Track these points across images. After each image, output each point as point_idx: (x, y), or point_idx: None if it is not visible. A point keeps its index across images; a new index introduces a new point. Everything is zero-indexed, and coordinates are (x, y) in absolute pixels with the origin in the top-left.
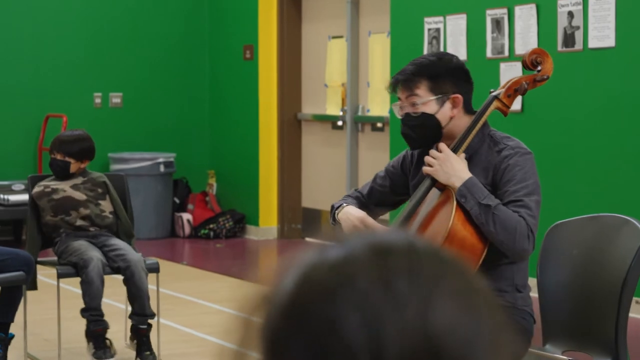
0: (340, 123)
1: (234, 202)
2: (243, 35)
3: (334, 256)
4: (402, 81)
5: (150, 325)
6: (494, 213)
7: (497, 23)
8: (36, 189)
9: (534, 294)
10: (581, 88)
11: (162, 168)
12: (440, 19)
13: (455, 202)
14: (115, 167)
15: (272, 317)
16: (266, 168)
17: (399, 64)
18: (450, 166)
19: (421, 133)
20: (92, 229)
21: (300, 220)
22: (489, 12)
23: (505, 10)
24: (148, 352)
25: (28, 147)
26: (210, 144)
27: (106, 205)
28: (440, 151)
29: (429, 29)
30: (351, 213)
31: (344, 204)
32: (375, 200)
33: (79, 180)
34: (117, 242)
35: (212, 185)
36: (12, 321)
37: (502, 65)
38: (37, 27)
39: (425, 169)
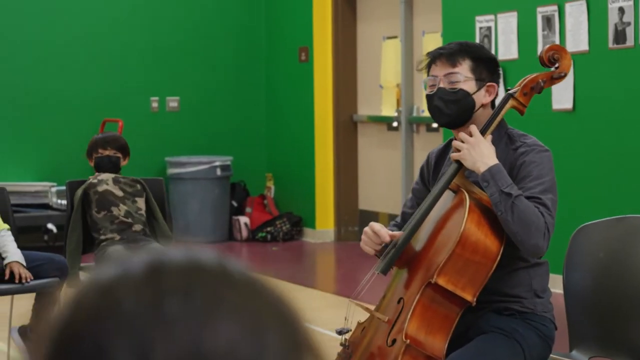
0: (395, 124)
1: (291, 205)
2: (298, 37)
3: (105, 278)
4: (446, 55)
5: None
6: (514, 203)
7: (547, 20)
8: (95, 181)
9: (560, 297)
10: (632, 85)
11: (218, 172)
12: (492, 17)
13: (468, 206)
14: (172, 171)
15: (48, 344)
16: (322, 170)
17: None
18: (479, 151)
19: (454, 109)
20: (129, 221)
21: (356, 222)
22: (539, 9)
23: (555, 8)
24: None
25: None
26: (268, 146)
27: (141, 204)
28: (471, 135)
29: (480, 28)
30: (368, 226)
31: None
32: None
33: (120, 175)
34: (156, 246)
35: (270, 188)
36: None
37: None
38: (94, 31)
39: (454, 154)
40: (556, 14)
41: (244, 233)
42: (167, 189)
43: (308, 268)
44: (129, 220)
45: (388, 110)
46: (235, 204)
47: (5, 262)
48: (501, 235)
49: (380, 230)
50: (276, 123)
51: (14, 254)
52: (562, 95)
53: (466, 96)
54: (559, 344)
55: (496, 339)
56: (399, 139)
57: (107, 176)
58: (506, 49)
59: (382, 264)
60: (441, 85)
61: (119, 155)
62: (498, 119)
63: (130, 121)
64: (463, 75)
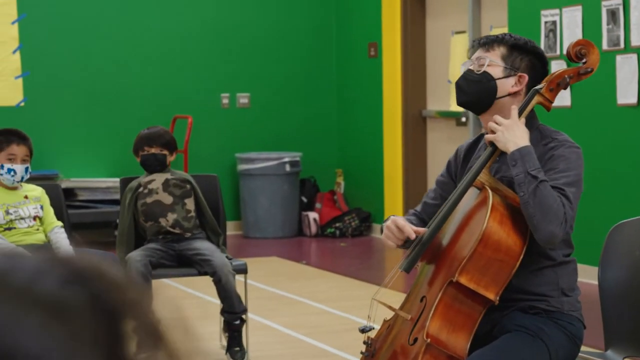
0: (464, 119)
1: (360, 201)
2: (367, 32)
3: None
4: (483, 43)
5: (242, 321)
6: (538, 186)
7: (612, 14)
8: (140, 189)
9: (594, 296)
10: None
11: (288, 167)
12: (557, 11)
13: (491, 203)
14: (242, 167)
15: None
16: (391, 166)
17: None
18: (512, 132)
19: (474, 90)
20: (176, 231)
21: None
22: (604, 3)
23: (620, 1)
24: (237, 348)
25: None
26: (338, 142)
27: (190, 204)
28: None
29: (546, 22)
30: (390, 218)
31: (391, 216)
32: (429, 213)
33: (169, 175)
34: (200, 245)
35: (340, 184)
36: None
37: (618, 58)
38: (164, 28)
39: (488, 136)
40: (621, 8)
41: (313, 229)
42: (237, 185)
43: (376, 265)
44: (176, 230)
45: (456, 105)
46: (305, 199)
47: None
48: (525, 233)
49: (405, 227)
50: (346, 119)
51: (66, 251)
52: (627, 90)
53: (489, 79)
54: (596, 343)
55: (521, 338)
56: (467, 134)
57: (157, 184)
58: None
59: (406, 262)
60: (471, 67)
61: (165, 152)
62: (524, 114)
63: (200, 118)
64: (491, 60)
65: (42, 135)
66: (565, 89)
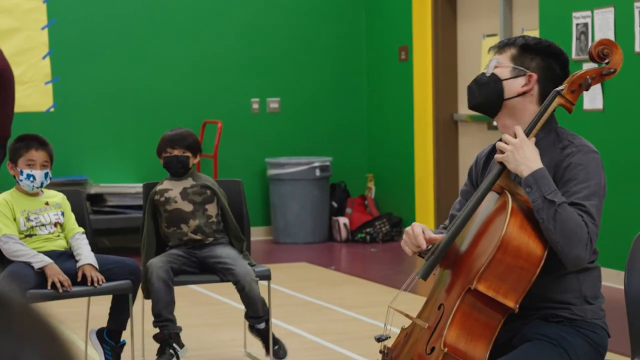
0: (495, 123)
1: (391, 206)
2: (398, 36)
3: None
4: (496, 47)
5: (267, 323)
6: (557, 211)
7: None
8: (156, 197)
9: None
10: None
11: (318, 172)
12: (588, 13)
13: (510, 208)
14: (272, 172)
15: None
16: (422, 171)
17: None
18: (522, 153)
19: (483, 92)
20: (198, 237)
21: None
22: (637, 4)
23: None
24: (277, 346)
25: None
26: (368, 147)
27: (212, 209)
28: (515, 136)
29: (577, 24)
30: (411, 225)
31: (414, 223)
32: None
33: (188, 182)
34: (223, 252)
35: (371, 188)
36: (124, 329)
37: None
38: (195, 33)
39: (498, 156)
40: None
41: (344, 234)
42: (267, 190)
43: (407, 270)
44: (198, 236)
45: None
46: (335, 204)
47: (79, 264)
48: (545, 239)
49: (419, 235)
50: (377, 123)
51: (87, 257)
52: None
53: (495, 81)
54: (622, 349)
55: (542, 347)
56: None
57: (174, 192)
58: None
59: (422, 270)
60: (484, 70)
61: (188, 154)
62: (544, 117)
63: (230, 122)
64: (499, 61)
65: (71, 140)
66: (587, 90)
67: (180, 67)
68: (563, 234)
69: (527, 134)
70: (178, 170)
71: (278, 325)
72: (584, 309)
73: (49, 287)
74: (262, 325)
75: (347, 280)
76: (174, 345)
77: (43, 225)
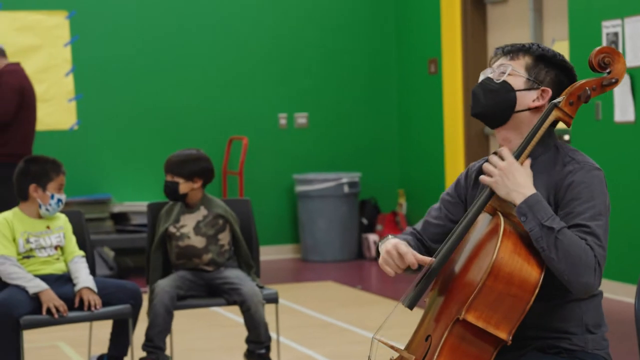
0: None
1: None
2: (427, 49)
3: None
4: (507, 51)
5: (268, 349)
6: (557, 237)
7: None
8: (170, 230)
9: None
10: None
11: (346, 188)
12: (619, 22)
13: (502, 232)
14: (299, 188)
15: None
16: None
17: (579, 71)
18: (512, 178)
19: (491, 100)
20: (209, 269)
21: None
22: None
23: None
24: None
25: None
26: (399, 162)
27: (224, 238)
28: (503, 159)
29: (607, 34)
30: (389, 241)
31: (389, 237)
32: (430, 234)
33: (200, 214)
34: (230, 274)
35: (402, 204)
36: (125, 354)
37: None
38: (220, 48)
39: (484, 178)
40: None
41: (373, 251)
42: (295, 207)
43: None
44: (210, 268)
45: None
46: (365, 221)
47: (76, 288)
48: (541, 264)
49: (407, 254)
50: (408, 137)
51: (85, 281)
52: None
53: (508, 90)
54: None
55: None
56: None
57: (188, 228)
58: (634, 55)
59: (409, 298)
60: (490, 75)
61: (178, 180)
62: (541, 130)
63: (257, 138)
64: (513, 69)
65: (95, 159)
66: (586, 102)
67: (206, 83)
68: (567, 262)
69: (521, 152)
70: (169, 195)
71: (292, 348)
72: (585, 339)
73: (44, 313)
74: (262, 351)
75: (372, 301)
76: None
77: (43, 248)
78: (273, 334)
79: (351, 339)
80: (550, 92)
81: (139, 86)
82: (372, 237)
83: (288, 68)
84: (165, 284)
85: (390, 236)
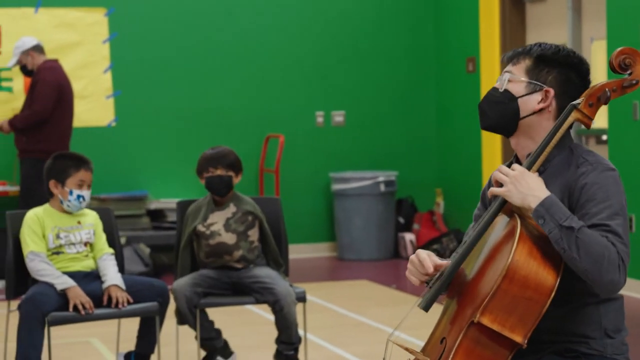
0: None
1: (459, 222)
2: (465, 47)
3: None
4: (509, 57)
5: (296, 350)
6: (578, 237)
7: None
8: (199, 228)
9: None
10: None
11: (382, 187)
12: None
13: (518, 234)
14: (336, 187)
15: None
16: None
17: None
18: (525, 185)
19: (496, 112)
20: (239, 266)
21: None
22: None
23: None
24: None
25: (250, 168)
26: (437, 161)
27: (254, 234)
28: (512, 168)
29: None
30: (415, 254)
31: (418, 249)
32: None
33: (229, 211)
34: (261, 273)
35: (439, 204)
36: (152, 352)
37: None
38: (257, 47)
39: (495, 189)
40: None
41: (409, 250)
42: (332, 205)
43: None
44: (239, 265)
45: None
46: (402, 220)
47: (104, 286)
48: (557, 267)
49: (426, 260)
50: (446, 136)
51: (113, 278)
52: None
53: (509, 99)
54: None
55: None
56: None
57: (218, 225)
58: None
59: (424, 300)
60: (496, 84)
61: (231, 173)
62: (560, 132)
63: (294, 136)
64: (512, 75)
65: (132, 155)
66: (606, 103)
67: (243, 80)
68: (590, 260)
69: (534, 161)
70: (221, 190)
71: (322, 347)
72: (604, 344)
73: (70, 310)
74: (291, 352)
75: (407, 300)
76: (219, 357)
77: (72, 244)
78: (301, 332)
79: (383, 339)
80: (552, 91)
81: (176, 84)
82: (409, 236)
83: (326, 66)
84: (183, 284)
85: (418, 249)
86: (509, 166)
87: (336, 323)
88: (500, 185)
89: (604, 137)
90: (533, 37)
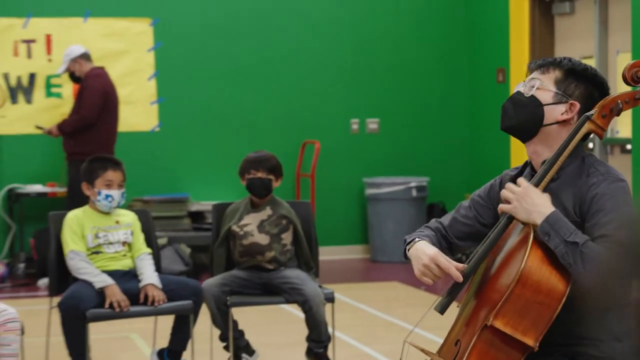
0: (590, 145)
1: None
2: (495, 58)
3: None
4: (539, 65)
5: (326, 348)
6: (582, 251)
7: None
8: (234, 228)
9: None
10: None
11: (414, 192)
12: None
13: (530, 242)
14: (369, 191)
15: None
16: None
17: None
18: (530, 202)
19: (520, 114)
20: (270, 267)
21: None
22: None
23: None
24: None
25: (288, 173)
26: (467, 168)
27: (287, 237)
28: (518, 185)
29: None
30: (423, 250)
31: (417, 239)
32: (456, 232)
33: (265, 214)
34: (291, 274)
35: None
36: (184, 349)
37: None
38: (295, 56)
39: (502, 206)
40: None
41: None
42: (365, 209)
43: None
44: (271, 266)
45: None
46: None
47: (141, 284)
48: (568, 273)
49: (450, 269)
50: (476, 144)
51: (150, 277)
52: None
53: (536, 105)
54: None
55: None
56: None
57: (252, 226)
58: None
59: (440, 303)
60: (521, 89)
61: (271, 177)
62: (574, 142)
63: (330, 142)
64: (542, 82)
65: (174, 159)
66: (618, 115)
67: (281, 88)
68: (596, 274)
69: (553, 163)
70: (261, 192)
71: (351, 345)
72: (613, 347)
73: (106, 306)
74: (320, 350)
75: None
76: (243, 356)
77: (110, 243)
78: (331, 330)
79: (418, 338)
80: (578, 105)
81: (217, 91)
82: None
83: (361, 75)
84: (213, 283)
85: (417, 238)
86: (517, 175)
87: (366, 322)
88: (508, 202)
89: (629, 147)
90: (561, 49)
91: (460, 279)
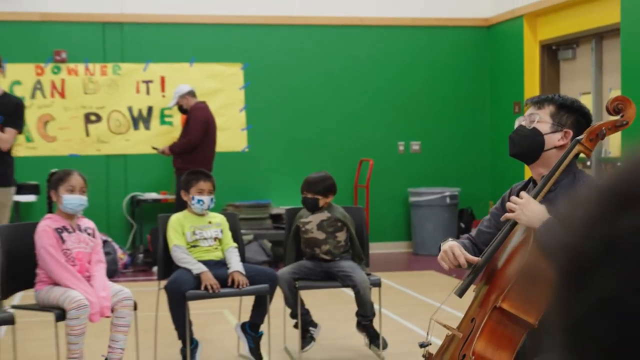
0: (588, 163)
1: None
2: (513, 92)
3: None
4: (535, 102)
5: (371, 321)
6: None
7: None
8: (299, 225)
9: None
10: None
11: (448, 200)
12: None
13: (531, 242)
14: (412, 199)
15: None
16: None
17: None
18: (530, 209)
19: (524, 143)
20: (327, 257)
21: None
22: None
23: None
24: (378, 341)
25: (347, 184)
26: (491, 180)
27: (342, 236)
28: (520, 196)
29: None
30: (447, 243)
31: (449, 240)
32: (482, 239)
33: (324, 215)
34: (345, 264)
35: None
36: (262, 322)
37: None
38: (355, 90)
39: (508, 215)
40: None
41: None
42: (409, 213)
43: None
44: (327, 257)
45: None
46: (463, 225)
47: (229, 271)
48: None
49: (460, 257)
50: (498, 162)
51: (236, 266)
52: None
53: (537, 135)
54: None
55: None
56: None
57: (312, 225)
58: None
59: (459, 288)
60: (523, 123)
61: (318, 197)
62: (566, 161)
63: (381, 160)
64: (540, 117)
65: (260, 173)
66: (602, 139)
67: (342, 117)
68: None
69: (549, 179)
70: (309, 208)
71: (394, 320)
72: None
73: (202, 289)
74: (367, 322)
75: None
76: (310, 329)
77: (205, 239)
78: (377, 307)
79: (443, 316)
80: (571, 132)
81: (293, 119)
82: None
83: (406, 106)
84: (286, 271)
85: (450, 239)
86: (522, 188)
87: (407, 303)
88: (512, 211)
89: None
90: (565, 87)
91: (465, 264)
